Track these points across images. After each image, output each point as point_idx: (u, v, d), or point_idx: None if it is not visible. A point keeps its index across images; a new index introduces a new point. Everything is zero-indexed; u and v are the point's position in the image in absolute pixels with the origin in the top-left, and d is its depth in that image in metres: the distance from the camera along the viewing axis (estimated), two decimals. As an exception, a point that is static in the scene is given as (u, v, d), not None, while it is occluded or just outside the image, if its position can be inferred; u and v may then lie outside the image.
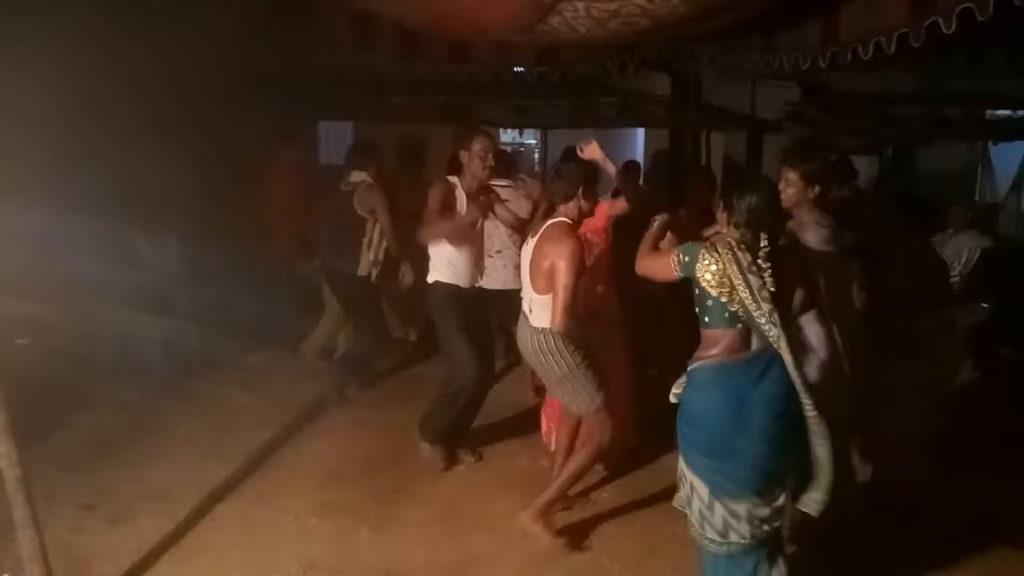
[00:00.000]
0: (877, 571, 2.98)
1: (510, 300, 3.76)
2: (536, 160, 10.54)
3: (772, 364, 2.34)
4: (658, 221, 2.81)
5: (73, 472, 3.61)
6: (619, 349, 3.71)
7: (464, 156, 3.70)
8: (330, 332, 5.07)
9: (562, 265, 2.86)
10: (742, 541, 2.34)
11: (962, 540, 3.13)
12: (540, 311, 3.00)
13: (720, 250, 2.34)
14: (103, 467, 3.71)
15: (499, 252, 4.15)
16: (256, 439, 4.02)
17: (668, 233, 2.82)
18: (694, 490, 2.39)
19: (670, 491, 3.16)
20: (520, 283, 3.26)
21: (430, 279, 3.78)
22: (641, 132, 9.63)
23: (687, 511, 2.47)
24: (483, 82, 5.49)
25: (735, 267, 2.30)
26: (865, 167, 8.15)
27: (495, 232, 4.11)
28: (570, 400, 3.12)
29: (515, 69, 5.79)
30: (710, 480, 2.35)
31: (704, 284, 2.35)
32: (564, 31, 3.99)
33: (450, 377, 3.71)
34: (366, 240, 4.37)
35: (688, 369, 2.44)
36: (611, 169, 3.53)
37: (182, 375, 4.89)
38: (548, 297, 2.94)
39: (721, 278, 2.32)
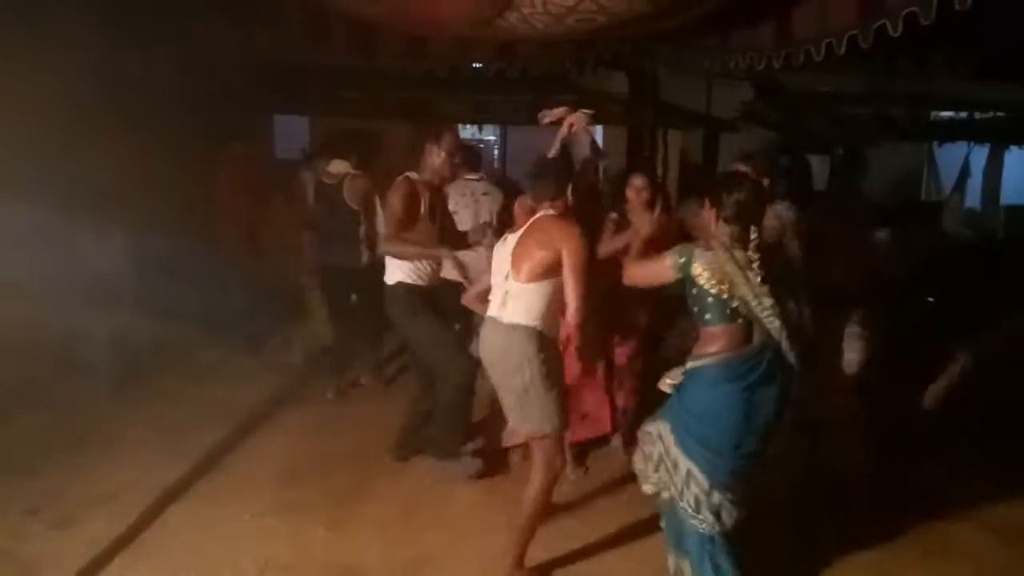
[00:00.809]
0: (821, 544, 3.08)
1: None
2: (496, 156, 10.53)
3: (773, 357, 2.43)
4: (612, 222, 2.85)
5: (14, 475, 3.49)
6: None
7: (429, 151, 3.52)
8: (315, 331, 5.03)
9: (572, 246, 2.67)
10: (730, 521, 2.46)
11: (901, 517, 3.32)
12: (516, 302, 2.76)
13: (716, 249, 2.41)
14: (47, 469, 3.59)
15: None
16: (210, 438, 3.94)
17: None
18: (691, 477, 2.45)
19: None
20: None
21: (390, 280, 3.54)
22: (600, 130, 9.70)
23: (674, 499, 2.53)
24: (441, 77, 5.46)
25: (732, 264, 2.38)
26: (817, 167, 8.35)
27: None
28: (521, 419, 2.82)
29: (473, 65, 5.78)
30: (710, 470, 2.43)
31: (703, 283, 2.42)
32: (522, 27, 3.99)
33: (443, 382, 3.50)
34: (363, 230, 4.34)
35: (690, 366, 2.50)
36: (586, 139, 3.64)
37: (131, 373, 4.75)
38: (531, 286, 2.73)
39: (721, 276, 2.39)
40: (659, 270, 2.54)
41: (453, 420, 3.53)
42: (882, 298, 3.82)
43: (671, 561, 2.66)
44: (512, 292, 2.78)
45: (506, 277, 2.81)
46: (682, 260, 2.46)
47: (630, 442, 3.40)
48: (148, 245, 4.80)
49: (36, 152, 4.56)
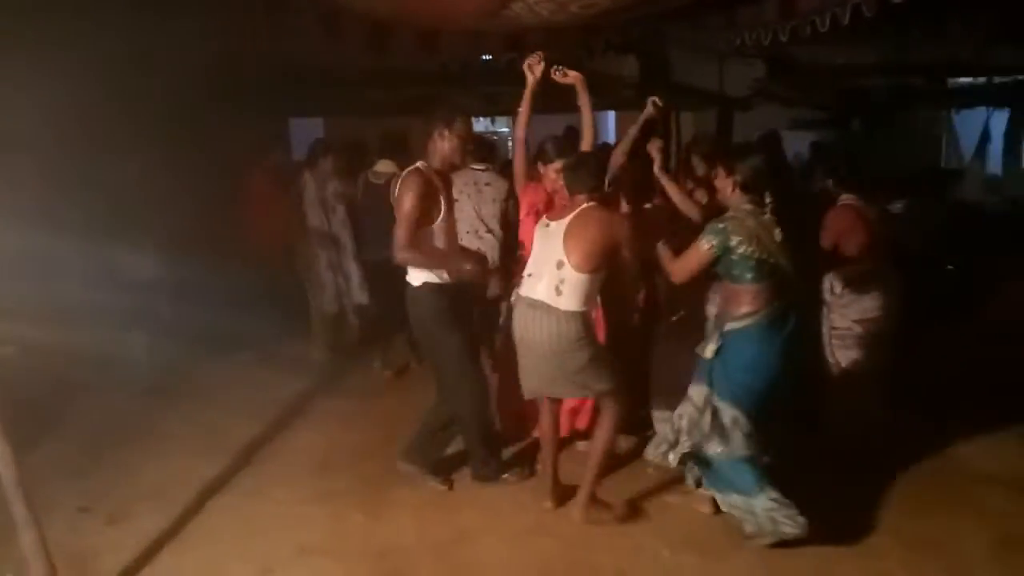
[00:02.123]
0: (822, 495, 3.09)
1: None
2: (510, 148, 10.58)
3: (794, 308, 2.81)
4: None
5: (67, 477, 3.64)
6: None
7: (440, 136, 3.26)
8: (327, 327, 5.14)
9: (624, 235, 2.93)
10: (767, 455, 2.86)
11: (896, 468, 3.49)
12: (573, 290, 2.90)
13: (741, 216, 2.76)
14: (96, 471, 3.75)
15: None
16: (246, 435, 4.08)
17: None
18: (736, 423, 2.79)
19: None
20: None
21: (415, 280, 3.26)
22: (612, 116, 9.72)
23: (716, 446, 2.83)
24: (453, 72, 5.53)
25: (762, 229, 2.75)
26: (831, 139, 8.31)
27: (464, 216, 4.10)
28: (587, 385, 3.02)
29: (484, 57, 5.84)
30: (760, 410, 2.79)
31: (741, 249, 2.72)
32: (527, 16, 4.07)
33: (451, 402, 3.38)
34: None
35: (731, 327, 2.80)
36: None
37: (167, 379, 4.91)
38: (587, 276, 2.90)
39: (753, 239, 2.72)
40: (697, 258, 2.83)
41: (479, 441, 3.42)
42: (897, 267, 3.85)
43: (720, 498, 2.99)
44: (569, 280, 2.91)
45: (559, 266, 2.92)
46: (718, 240, 2.75)
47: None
48: (178, 256, 4.97)
49: (69, 164, 4.74)
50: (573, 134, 4.65)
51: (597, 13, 4.13)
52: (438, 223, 3.25)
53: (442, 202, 3.27)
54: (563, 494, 3.25)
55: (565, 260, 2.90)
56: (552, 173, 3.55)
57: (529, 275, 3.05)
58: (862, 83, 8.37)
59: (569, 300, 2.91)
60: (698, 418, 2.86)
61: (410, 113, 6.69)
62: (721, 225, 2.76)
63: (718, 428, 2.82)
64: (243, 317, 5.21)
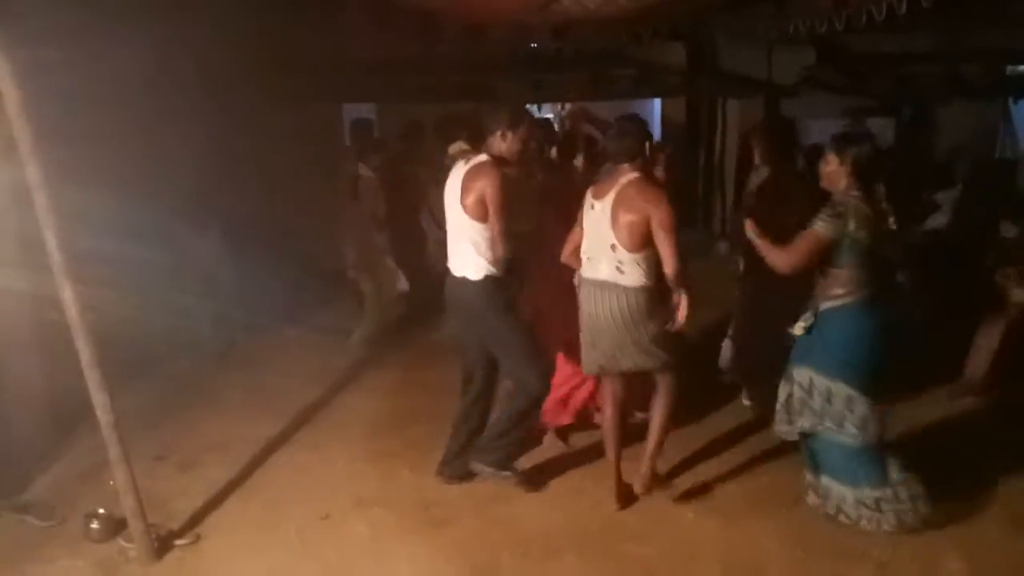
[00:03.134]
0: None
1: None
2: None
3: (888, 294, 2.91)
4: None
5: (143, 430, 3.95)
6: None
7: (500, 138, 3.14)
8: (377, 320, 5.39)
9: (660, 211, 2.87)
10: (876, 431, 2.87)
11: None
12: (633, 269, 2.93)
13: (859, 203, 2.78)
14: (168, 425, 4.10)
15: None
16: (302, 398, 4.39)
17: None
18: (851, 401, 2.82)
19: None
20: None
21: (475, 274, 3.15)
22: (658, 103, 9.75)
23: (823, 429, 2.90)
24: (500, 59, 5.66)
25: (877, 216, 2.79)
26: (880, 129, 8.22)
27: None
28: (653, 353, 3.03)
29: (531, 45, 5.97)
30: (872, 390, 2.82)
31: (857, 236, 2.75)
32: (575, 9, 4.22)
33: (519, 389, 3.25)
34: None
35: (828, 306, 2.85)
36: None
37: (229, 347, 5.26)
38: (640, 255, 2.92)
39: (870, 226, 2.76)
40: (816, 245, 2.80)
41: (518, 431, 3.31)
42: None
43: (814, 481, 3.04)
44: (627, 261, 2.94)
45: (613, 249, 2.94)
46: (835, 226, 2.76)
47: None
48: (240, 235, 5.30)
49: (139, 148, 5.07)
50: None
51: (646, 6, 4.24)
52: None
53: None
54: (628, 493, 3.23)
55: (616, 243, 2.93)
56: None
57: (588, 258, 3.07)
58: (916, 70, 8.24)
59: (633, 276, 2.94)
60: (806, 399, 2.91)
61: (459, 99, 6.92)
62: (840, 209, 2.76)
63: (831, 408, 2.85)
64: (298, 292, 5.54)
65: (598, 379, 3.52)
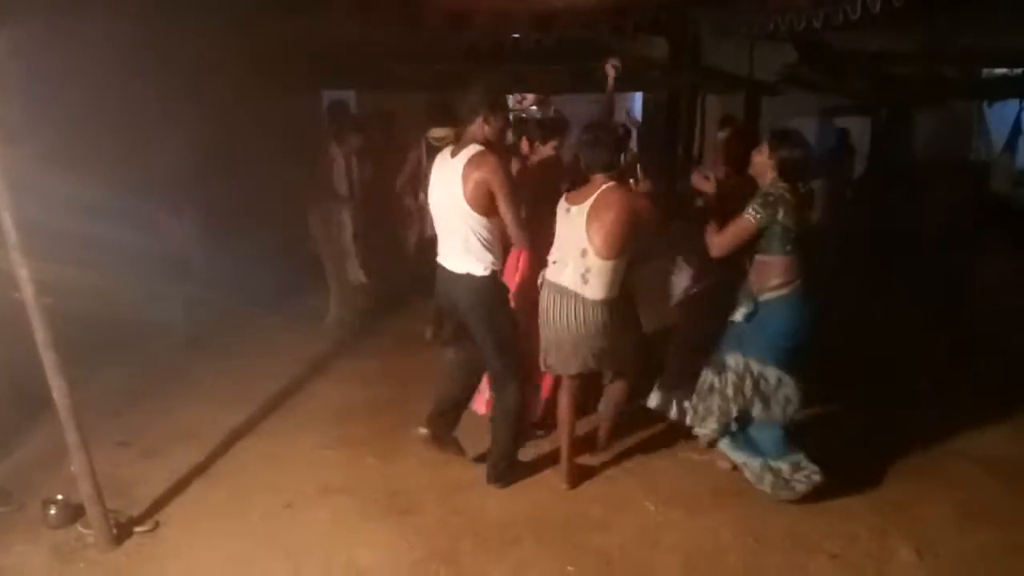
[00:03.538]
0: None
1: None
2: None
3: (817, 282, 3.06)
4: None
5: (106, 415, 3.94)
6: None
7: (485, 121, 3.03)
8: (343, 301, 5.37)
9: (645, 215, 2.97)
10: (793, 413, 3.11)
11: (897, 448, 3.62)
12: (599, 279, 2.96)
13: (783, 193, 2.94)
14: (135, 412, 4.06)
15: None
16: (273, 387, 4.37)
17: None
18: (781, 383, 3.03)
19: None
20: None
21: (479, 270, 3.03)
22: (638, 97, 9.78)
23: (759, 410, 3.10)
24: (482, 49, 5.65)
25: (802, 205, 2.96)
26: (856, 128, 8.30)
27: None
28: (614, 362, 3.20)
29: (513, 36, 5.96)
30: (795, 372, 3.02)
31: (785, 222, 2.91)
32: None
33: (506, 387, 3.18)
34: None
35: (768, 297, 3.00)
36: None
37: (201, 333, 5.21)
38: (612, 263, 2.94)
39: (797, 214, 2.93)
40: (742, 230, 2.97)
41: (518, 440, 3.33)
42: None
43: (738, 459, 3.23)
44: (595, 270, 2.94)
45: (583, 254, 2.94)
46: (765, 213, 2.92)
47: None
48: (217, 216, 5.25)
49: (114, 135, 5.01)
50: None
51: (619, -1, 4.25)
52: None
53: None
54: (579, 474, 3.33)
55: (588, 248, 2.92)
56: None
57: (554, 261, 3.07)
58: (894, 71, 8.32)
59: (595, 288, 2.96)
60: (739, 384, 3.08)
61: (439, 88, 6.89)
62: (770, 198, 2.93)
63: (759, 392, 3.06)
64: (271, 279, 5.51)
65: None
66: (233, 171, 5.66)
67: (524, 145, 3.83)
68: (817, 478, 3.05)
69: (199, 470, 3.47)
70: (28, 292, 2.59)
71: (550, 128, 3.83)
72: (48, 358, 2.66)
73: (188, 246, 5.23)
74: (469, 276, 3.04)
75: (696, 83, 7.86)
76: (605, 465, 3.49)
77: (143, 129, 4.98)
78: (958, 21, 6.67)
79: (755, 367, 3.06)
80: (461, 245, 3.03)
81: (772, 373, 3.05)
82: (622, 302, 3.11)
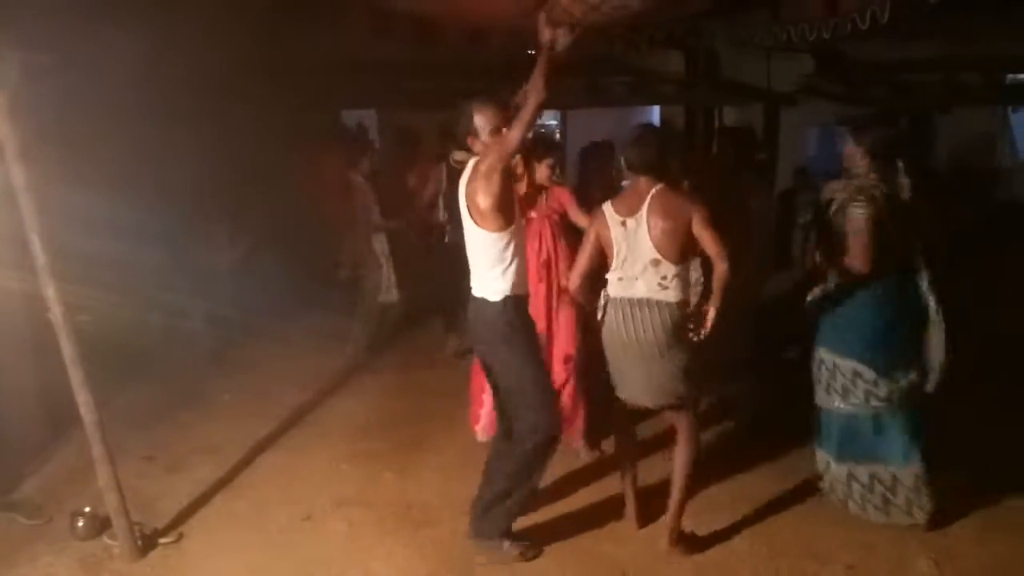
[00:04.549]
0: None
1: None
2: (557, 139, 10.78)
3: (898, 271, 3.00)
4: None
5: (134, 430, 4.04)
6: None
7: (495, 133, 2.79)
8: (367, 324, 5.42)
9: (701, 211, 2.75)
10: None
11: None
12: (676, 282, 2.78)
13: (875, 183, 2.92)
14: (159, 426, 4.16)
15: None
16: (293, 400, 4.46)
17: None
18: (858, 375, 2.97)
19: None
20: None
21: (495, 295, 2.77)
22: (657, 110, 9.81)
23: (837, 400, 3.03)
24: (498, 65, 5.71)
25: (893, 195, 2.92)
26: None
27: None
28: (673, 396, 2.82)
29: (529, 52, 6.00)
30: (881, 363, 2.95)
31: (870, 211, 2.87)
32: (562, 17, 4.27)
33: (522, 434, 2.79)
34: None
35: (836, 282, 2.99)
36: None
37: (223, 349, 5.33)
38: (683, 266, 2.79)
39: (882, 204, 2.88)
40: (870, 233, 2.87)
41: (525, 487, 2.86)
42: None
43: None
44: (671, 275, 2.76)
45: (655, 264, 2.76)
46: (873, 208, 2.86)
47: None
48: (238, 237, 5.37)
49: (137, 149, 5.16)
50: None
51: (630, 14, 4.29)
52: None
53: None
54: (645, 511, 3.12)
55: (660, 257, 2.76)
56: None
57: (620, 278, 2.84)
58: (915, 79, 8.26)
59: (676, 291, 2.78)
60: (817, 374, 3.07)
61: (456, 105, 6.97)
62: (870, 193, 2.87)
63: (838, 384, 3.00)
64: (294, 294, 5.60)
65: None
66: (252, 189, 5.78)
67: (517, 164, 3.46)
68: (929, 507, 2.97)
69: (221, 483, 3.55)
70: (56, 310, 2.68)
71: (545, 144, 3.69)
72: (75, 374, 2.76)
73: (211, 260, 5.32)
74: (484, 301, 2.80)
75: (712, 96, 7.88)
76: (618, 475, 3.47)
77: (161, 148, 5.11)
78: (979, 27, 6.62)
79: (828, 357, 3.07)
80: (475, 267, 2.85)
81: (843, 366, 3.02)
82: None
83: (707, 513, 3.17)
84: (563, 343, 3.64)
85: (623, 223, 2.82)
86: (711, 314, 2.76)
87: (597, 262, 2.93)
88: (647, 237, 2.77)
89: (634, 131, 2.95)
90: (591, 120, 10.17)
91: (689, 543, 2.94)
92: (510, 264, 2.76)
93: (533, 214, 3.63)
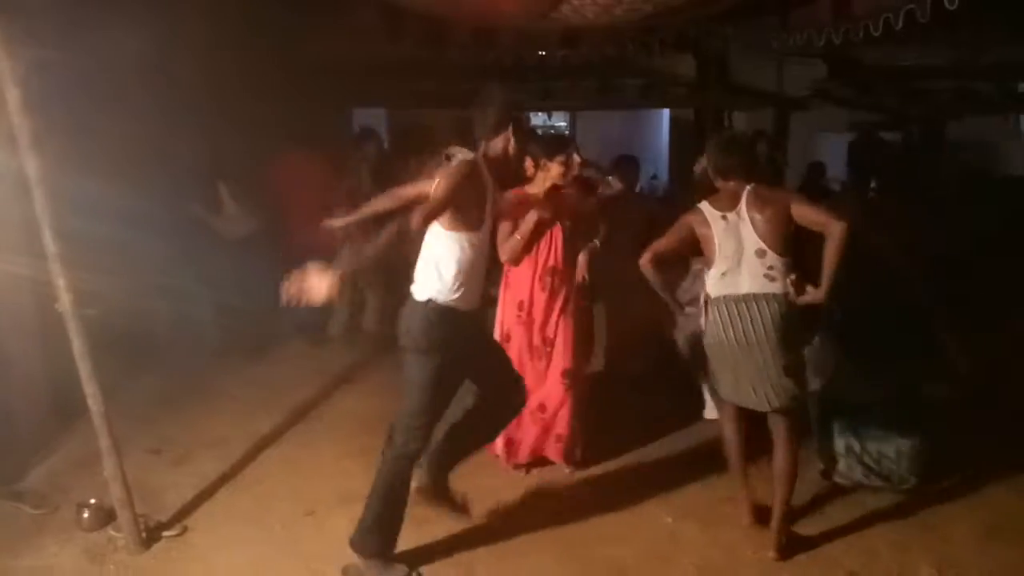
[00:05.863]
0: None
1: None
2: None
3: None
4: None
5: (140, 423, 4.04)
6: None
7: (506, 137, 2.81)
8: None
9: (798, 200, 2.83)
10: None
11: None
12: (781, 273, 2.78)
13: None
14: (166, 420, 4.18)
15: None
16: (299, 395, 4.48)
17: None
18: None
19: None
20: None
21: (421, 296, 2.61)
22: (667, 113, 9.81)
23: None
24: (508, 65, 5.73)
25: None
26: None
27: None
28: (790, 391, 2.78)
29: (539, 53, 6.03)
30: None
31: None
32: (574, 18, 4.29)
33: (399, 445, 2.77)
34: None
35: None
36: None
37: (230, 342, 5.29)
38: (788, 258, 2.79)
39: None
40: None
41: (390, 503, 2.78)
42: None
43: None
44: (777, 266, 2.77)
45: (761, 255, 2.77)
46: None
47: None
48: (246, 232, 5.39)
49: (146, 145, 5.18)
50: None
51: (642, 17, 4.31)
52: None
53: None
54: (759, 510, 3.07)
55: (766, 248, 2.77)
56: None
57: (723, 273, 2.83)
58: (927, 85, 8.22)
59: (782, 283, 2.78)
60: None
61: (466, 105, 6.98)
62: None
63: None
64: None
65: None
66: (269, 179, 5.79)
67: (528, 166, 3.43)
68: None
69: (225, 477, 3.56)
70: (66, 302, 2.70)
71: (554, 142, 3.57)
72: (83, 366, 2.77)
73: (219, 254, 5.30)
74: (410, 296, 2.63)
75: (723, 99, 7.87)
76: (621, 475, 3.50)
77: (168, 143, 5.13)
78: (993, 34, 6.59)
79: None
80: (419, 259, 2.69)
81: None
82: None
83: (710, 516, 3.17)
84: (561, 357, 3.51)
85: (724, 217, 2.84)
86: (824, 287, 2.72)
87: (674, 253, 3.00)
88: (751, 228, 2.80)
89: (719, 138, 3.07)
90: (600, 122, 10.18)
91: (794, 547, 2.89)
92: (456, 269, 2.58)
93: (546, 214, 3.46)
